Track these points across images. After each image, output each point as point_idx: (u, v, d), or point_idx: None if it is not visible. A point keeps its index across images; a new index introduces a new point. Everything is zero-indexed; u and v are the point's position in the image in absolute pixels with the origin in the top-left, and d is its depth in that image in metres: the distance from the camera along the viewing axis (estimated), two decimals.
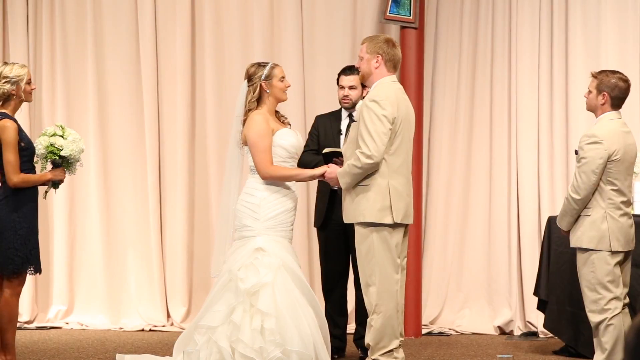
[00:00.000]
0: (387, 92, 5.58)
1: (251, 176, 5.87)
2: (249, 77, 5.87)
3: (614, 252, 5.65)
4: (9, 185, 5.87)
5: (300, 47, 8.21)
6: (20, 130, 5.92)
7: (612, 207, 5.64)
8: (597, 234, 5.63)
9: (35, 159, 6.03)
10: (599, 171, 5.60)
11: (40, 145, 5.99)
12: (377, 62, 5.65)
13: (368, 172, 5.52)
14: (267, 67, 5.86)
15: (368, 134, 5.47)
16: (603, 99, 5.72)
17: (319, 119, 6.82)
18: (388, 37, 5.76)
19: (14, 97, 5.95)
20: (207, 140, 8.29)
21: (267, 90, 5.84)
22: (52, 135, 6.01)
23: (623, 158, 5.66)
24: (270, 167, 5.76)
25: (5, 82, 5.91)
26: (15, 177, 5.85)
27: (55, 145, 5.97)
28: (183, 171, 8.27)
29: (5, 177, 5.87)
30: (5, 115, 5.90)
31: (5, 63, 6.02)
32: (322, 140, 6.63)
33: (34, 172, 6.01)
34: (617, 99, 5.74)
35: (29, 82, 6.00)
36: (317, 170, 5.84)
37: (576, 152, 5.79)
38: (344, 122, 6.65)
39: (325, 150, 6.18)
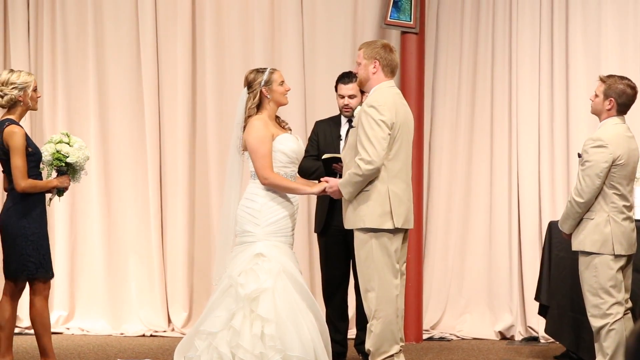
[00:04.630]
0: (385, 97, 5.56)
1: (252, 182, 5.85)
2: (249, 84, 5.86)
3: (616, 256, 5.63)
4: (17, 191, 5.90)
5: (300, 53, 8.21)
6: (27, 136, 5.96)
7: (615, 210, 5.63)
8: (601, 237, 5.62)
9: (41, 165, 6.06)
10: (603, 175, 5.59)
11: (46, 152, 6.05)
12: (374, 67, 5.63)
13: (369, 179, 5.48)
14: (266, 73, 5.85)
15: (367, 140, 5.45)
16: (610, 104, 5.70)
17: (319, 124, 6.82)
18: (385, 42, 5.74)
19: (21, 103, 6.00)
20: (208, 145, 8.29)
21: (268, 96, 5.83)
22: (58, 143, 6.06)
23: (627, 163, 5.65)
24: (270, 173, 5.74)
25: (12, 87, 5.97)
26: (23, 182, 5.89)
27: (62, 152, 6.03)
28: (184, 176, 8.27)
29: (13, 182, 5.91)
30: (13, 122, 5.95)
31: (12, 70, 6.08)
32: (322, 146, 6.63)
33: (41, 179, 6.06)
34: (624, 106, 5.73)
35: (35, 90, 6.06)
36: (316, 188, 5.80)
37: (579, 156, 5.76)
38: (344, 127, 6.65)
39: (325, 156, 6.17)
